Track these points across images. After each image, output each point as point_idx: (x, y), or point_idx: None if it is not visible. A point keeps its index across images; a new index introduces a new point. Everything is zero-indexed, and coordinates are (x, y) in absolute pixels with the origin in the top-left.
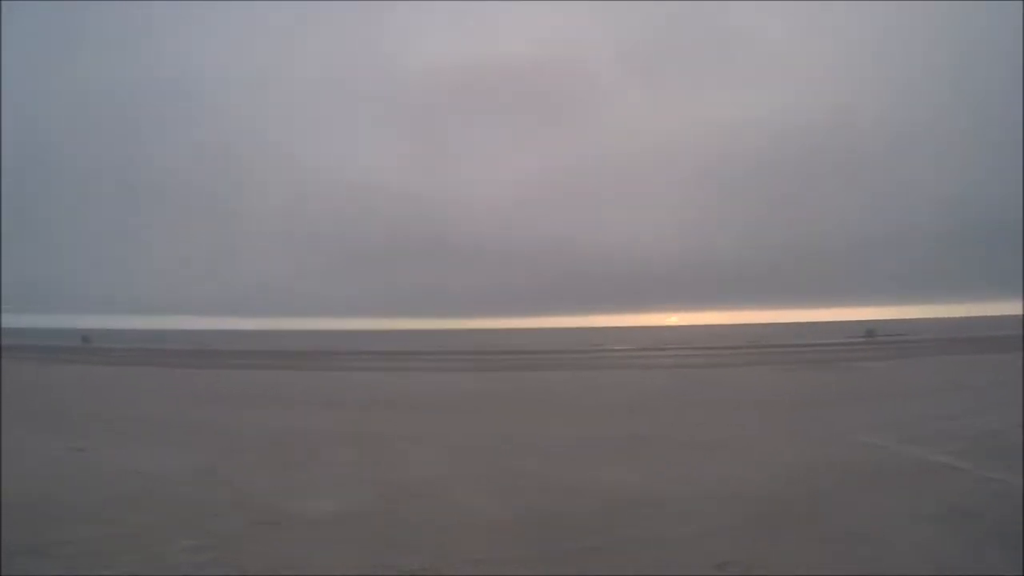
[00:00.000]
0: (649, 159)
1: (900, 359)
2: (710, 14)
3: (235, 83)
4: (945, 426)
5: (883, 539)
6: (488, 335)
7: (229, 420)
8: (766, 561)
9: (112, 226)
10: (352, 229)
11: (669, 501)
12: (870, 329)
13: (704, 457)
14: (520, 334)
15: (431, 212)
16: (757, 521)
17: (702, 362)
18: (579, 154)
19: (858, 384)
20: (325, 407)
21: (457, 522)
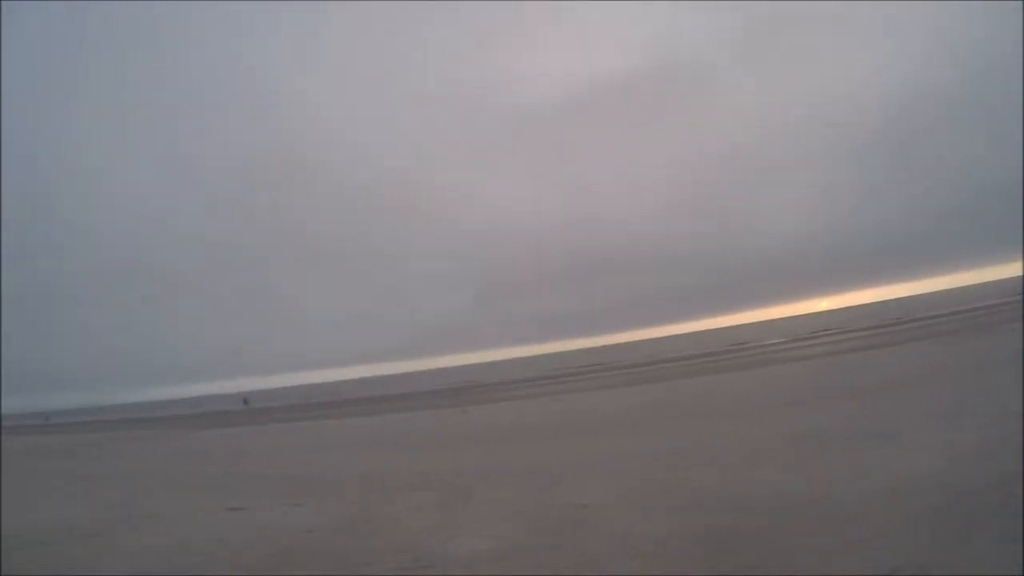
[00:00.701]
0: (772, 146)
1: None
2: None
3: (373, 130)
4: None
5: None
6: (637, 346)
7: (384, 465)
8: (941, 563)
9: (265, 287)
10: (505, 260)
11: (836, 503)
12: None
13: (870, 450)
14: (674, 340)
15: (569, 231)
16: (932, 517)
17: (858, 345)
18: (701, 155)
19: (1021, 346)
20: (478, 443)
21: (616, 548)
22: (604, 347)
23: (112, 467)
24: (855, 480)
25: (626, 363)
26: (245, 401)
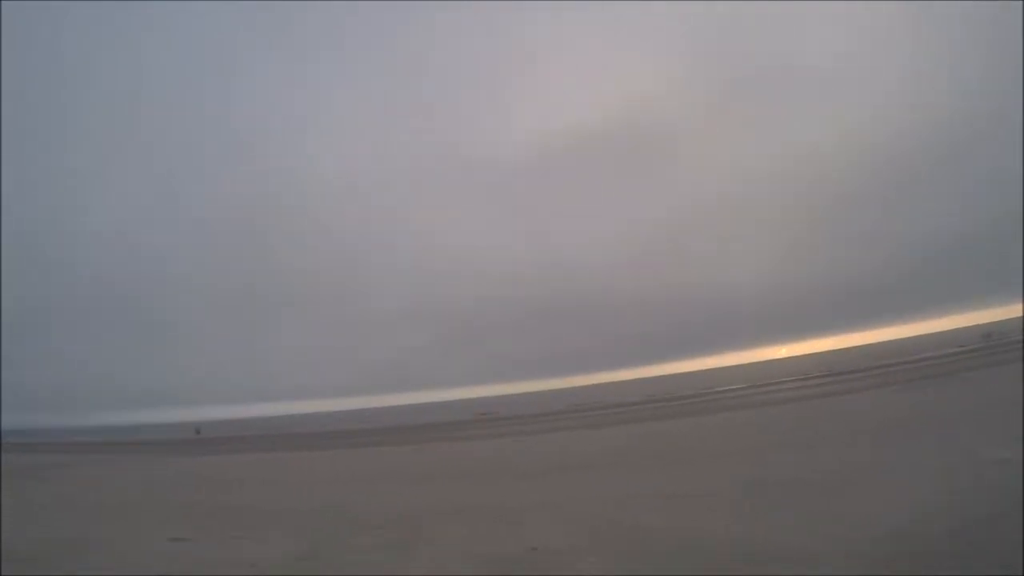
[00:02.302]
0: (733, 196)
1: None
2: (772, 49)
3: (340, 175)
4: None
5: None
6: (596, 391)
7: (335, 502)
8: None
9: (229, 319)
10: (468, 302)
11: (790, 552)
12: (987, 333)
13: (825, 498)
14: (635, 385)
15: (537, 278)
16: (899, 565)
17: (816, 392)
18: (671, 206)
19: (979, 394)
20: (433, 482)
21: None
22: (565, 390)
23: (59, 491)
24: (809, 529)
25: (585, 407)
26: (197, 431)
